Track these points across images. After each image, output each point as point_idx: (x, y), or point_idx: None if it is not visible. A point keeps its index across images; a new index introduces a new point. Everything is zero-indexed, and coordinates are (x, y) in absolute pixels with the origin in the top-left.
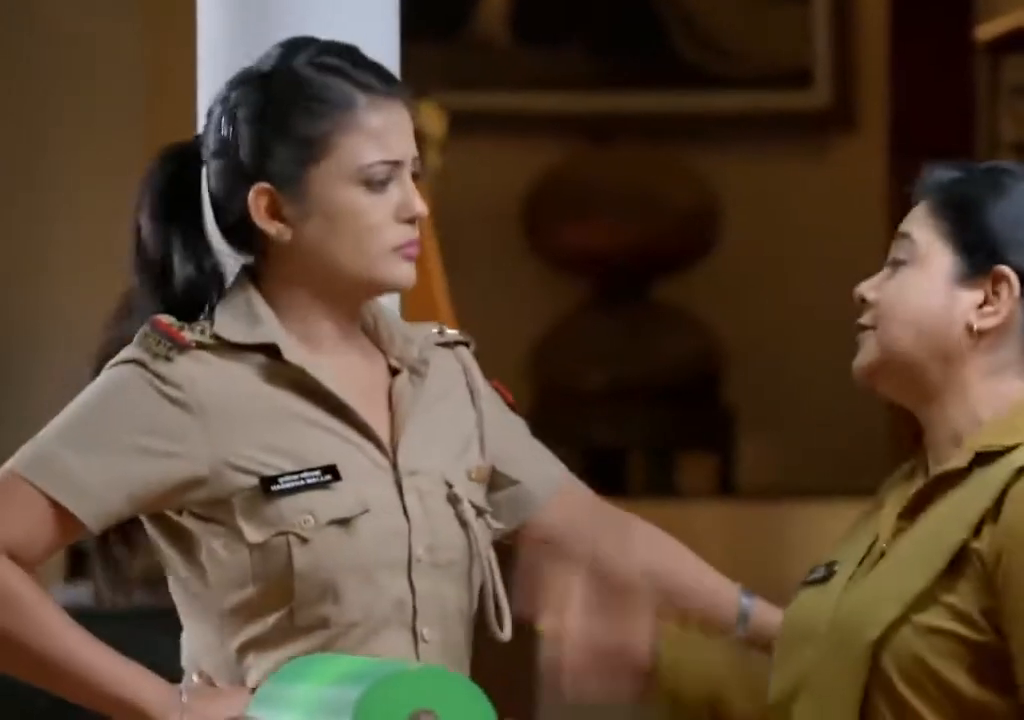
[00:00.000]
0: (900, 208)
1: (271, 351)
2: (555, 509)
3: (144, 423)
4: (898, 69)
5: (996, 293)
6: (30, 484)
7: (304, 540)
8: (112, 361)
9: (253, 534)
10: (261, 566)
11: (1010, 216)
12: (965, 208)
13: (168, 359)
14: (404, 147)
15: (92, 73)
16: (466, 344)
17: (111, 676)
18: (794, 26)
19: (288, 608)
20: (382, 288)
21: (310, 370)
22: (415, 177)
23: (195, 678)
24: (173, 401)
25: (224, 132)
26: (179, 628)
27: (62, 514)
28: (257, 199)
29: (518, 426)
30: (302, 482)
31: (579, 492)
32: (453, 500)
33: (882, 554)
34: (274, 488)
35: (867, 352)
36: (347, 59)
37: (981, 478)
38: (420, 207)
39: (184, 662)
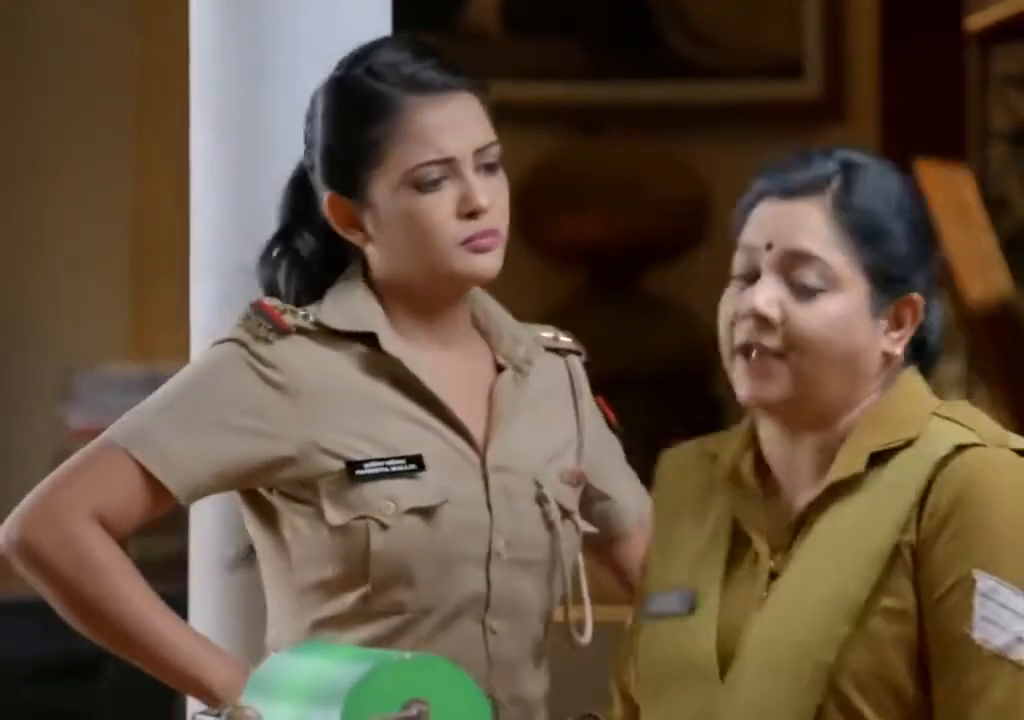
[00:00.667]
0: None
1: (370, 341)
2: (636, 539)
3: (239, 402)
4: (888, 60)
5: (900, 318)
6: (126, 453)
7: (384, 526)
8: (216, 339)
9: (335, 516)
10: (340, 548)
11: (906, 233)
12: (867, 228)
13: (268, 341)
14: (458, 143)
15: (85, 68)
16: (578, 353)
17: (182, 650)
18: (785, 18)
19: (364, 591)
20: (458, 283)
21: (407, 362)
22: (492, 168)
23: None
24: (269, 382)
25: (306, 142)
26: None
27: (154, 485)
28: (332, 208)
29: (615, 446)
30: (386, 469)
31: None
32: (541, 500)
33: (772, 574)
34: (358, 473)
35: (779, 386)
36: (404, 58)
37: (887, 477)
38: (480, 200)
39: (267, 640)
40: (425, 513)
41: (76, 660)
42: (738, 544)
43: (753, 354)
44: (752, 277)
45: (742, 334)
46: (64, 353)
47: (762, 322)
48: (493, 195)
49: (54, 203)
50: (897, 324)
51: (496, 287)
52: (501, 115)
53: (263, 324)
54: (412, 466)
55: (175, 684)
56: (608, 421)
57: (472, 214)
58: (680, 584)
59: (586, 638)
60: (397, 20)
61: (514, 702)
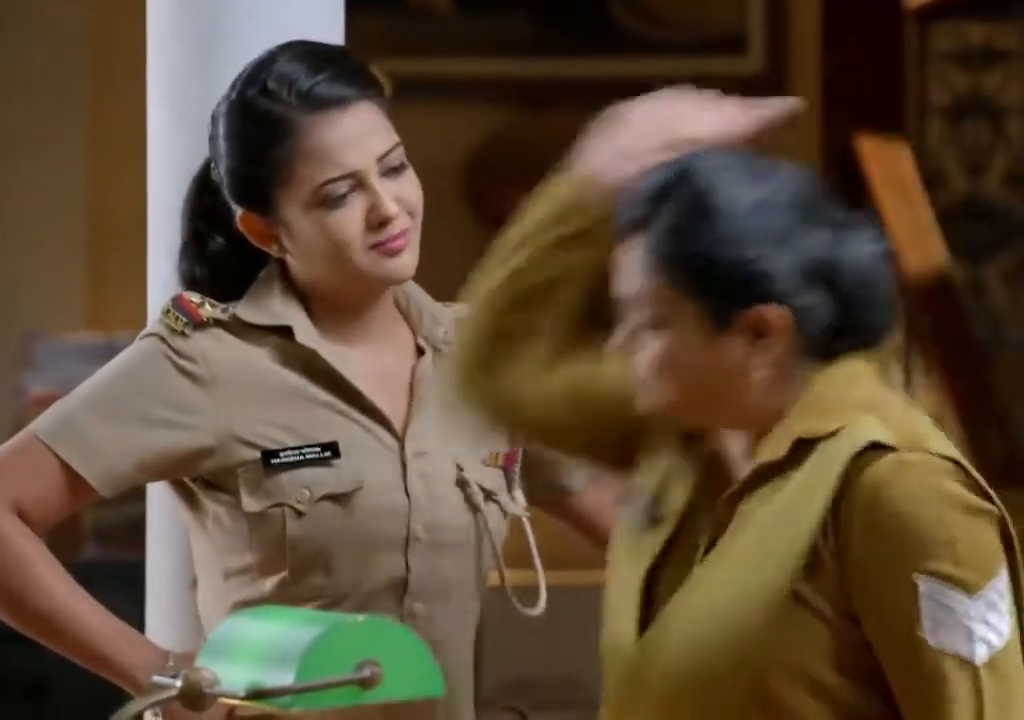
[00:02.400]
0: (831, 171)
1: (287, 333)
2: (591, 495)
3: (158, 394)
4: (830, 36)
5: (760, 332)
6: (46, 446)
7: (299, 513)
8: (140, 334)
9: (251, 504)
10: (258, 535)
11: (736, 244)
12: (687, 251)
13: (184, 334)
14: (360, 155)
15: (41, 45)
16: None
17: (102, 636)
18: None
19: (282, 576)
20: (376, 285)
21: (321, 352)
22: (398, 169)
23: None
24: (186, 374)
25: (213, 159)
26: (128, 583)
27: (74, 477)
28: (245, 225)
29: None
30: (301, 457)
31: (607, 491)
32: (461, 483)
33: (701, 549)
34: (274, 462)
35: (658, 394)
36: (298, 72)
37: (808, 468)
38: (388, 209)
39: (201, 616)
40: (339, 499)
41: None
42: (680, 531)
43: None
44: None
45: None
46: (23, 321)
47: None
48: (402, 196)
49: (13, 175)
50: (756, 334)
51: (444, 260)
52: (451, 90)
53: (180, 318)
54: (327, 453)
55: (98, 669)
56: None
57: (382, 223)
58: (652, 492)
59: (539, 608)
60: None
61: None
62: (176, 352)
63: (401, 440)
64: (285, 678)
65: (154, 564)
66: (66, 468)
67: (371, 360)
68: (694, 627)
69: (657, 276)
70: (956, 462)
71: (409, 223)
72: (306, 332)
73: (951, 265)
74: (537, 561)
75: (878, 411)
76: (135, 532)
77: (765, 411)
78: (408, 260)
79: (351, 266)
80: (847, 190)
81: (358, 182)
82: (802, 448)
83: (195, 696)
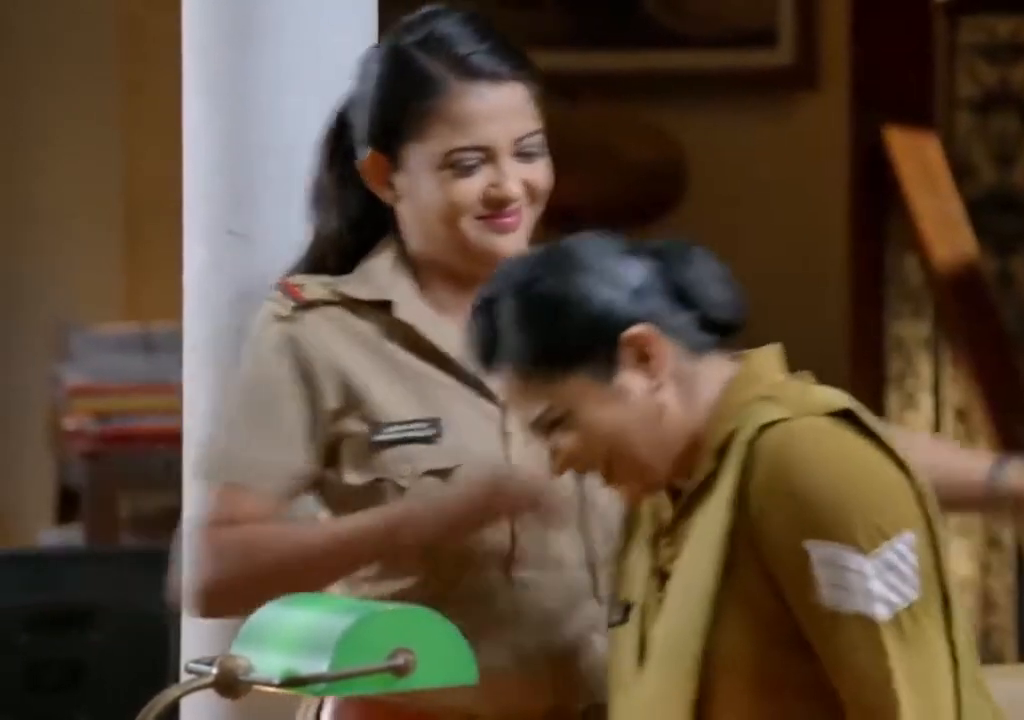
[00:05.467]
0: (861, 163)
1: (388, 307)
2: None
3: (281, 387)
4: (859, 29)
5: (640, 352)
6: (227, 486)
7: (401, 488)
8: (252, 329)
9: (354, 477)
10: (360, 509)
11: (568, 309)
12: (539, 348)
13: (291, 319)
14: (497, 132)
15: (74, 30)
16: None
17: (377, 533)
18: None
19: None
20: (476, 258)
21: (420, 327)
22: (533, 155)
23: None
24: (298, 356)
25: (351, 99)
26: (164, 570)
27: (264, 496)
28: (369, 164)
29: None
30: (405, 433)
31: None
32: None
33: (663, 575)
34: (377, 438)
35: (619, 480)
36: (460, 36)
37: (722, 470)
38: (510, 189)
39: None
40: (442, 474)
41: (69, 611)
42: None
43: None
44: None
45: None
46: (59, 312)
47: (572, 462)
48: (530, 180)
49: (47, 165)
50: (639, 359)
51: None
52: None
53: (285, 302)
54: (430, 430)
55: (404, 555)
56: None
57: (501, 202)
58: (623, 595)
59: None
60: None
61: (543, 650)
62: (286, 335)
63: (504, 410)
64: (320, 666)
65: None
66: (250, 493)
67: None
68: (659, 646)
69: (527, 381)
70: (850, 416)
71: (528, 207)
72: (408, 306)
73: (980, 256)
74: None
75: (773, 397)
76: (171, 521)
77: (692, 435)
78: (514, 240)
79: (456, 230)
80: (877, 182)
81: (489, 156)
82: (720, 456)
83: (230, 683)
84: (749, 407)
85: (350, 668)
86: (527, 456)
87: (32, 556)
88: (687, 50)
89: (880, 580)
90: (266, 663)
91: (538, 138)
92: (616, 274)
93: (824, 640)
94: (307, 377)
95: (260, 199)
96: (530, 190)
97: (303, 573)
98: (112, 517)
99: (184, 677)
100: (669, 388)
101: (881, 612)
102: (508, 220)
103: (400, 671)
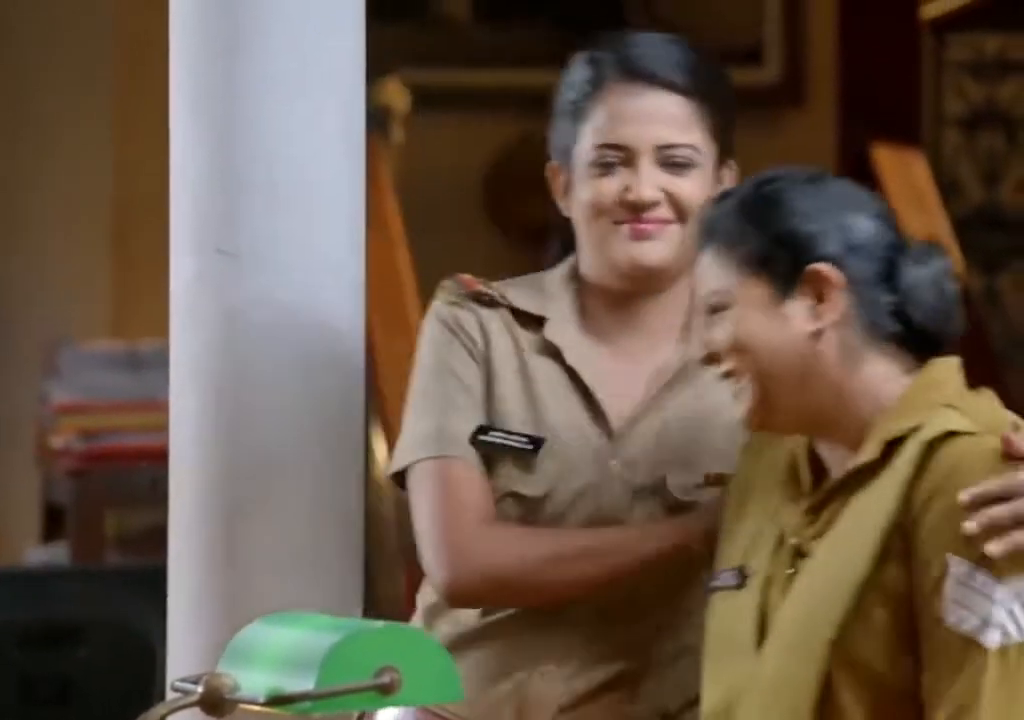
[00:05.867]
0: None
1: (542, 322)
2: None
3: (463, 358)
4: (846, 46)
5: (820, 292)
6: (442, 459)
7: None
8: (427, 318)
9: None
10: None
11: (785, 218)
12: (745, 235)
13: (459, 305)
14: (639, 135)
15: (67, 40)
16: None
17: (661, 543)
18: (746, 4)
19: None
20: (614, 264)
21: (565, 350)
22: (681, 166)
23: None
24: (462, 337)
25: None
26: (149, 587)
27: (465, 465)
28: (550, 173)
29: None
30: (507, 440)
31: None
32: (660, 492)
33: (799, 552)
34: (481, 437)
35: (747, 396)
36: (641, 44)
37: (893, 464)
38: (642, 192)
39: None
40: (522, 500)
41: (57, 628)
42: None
43: (736, 384)
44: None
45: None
46: (46, 329)
47: (716, 358)
48: (673, 191)
49: (36, 182)
50: (815, 297)
51: (465, 266)
52: (471, 100)
53: (456, 291)
54: (531, 446)
55: (663, 564)
56: None
57: (632, 205)
58: (738, 561)
59: None
60: (371, 5)
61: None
62: (455, 321)
63: (615, 448)
64: (305, 684)
65: (175, 570)
66: (460, 462)
67: (622, 362)
68: (789, 629)
69: (722, 263)
70: None
71: (670, 216)
72: (560, 324)
73: (967, 274)
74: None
75: (959, 408)
76: (156, 538)
77: (851, 417)
78: (651, 250)
79: (597, 234)
80: None
81: (628, 158)
82: (890, 449)
83: (216, 701)
84: (933, 410)
85: (336, 686)
86: (620, 494)
87: (19, 574)
88: None
89: (1004, 608)
90: (252, 681)
91: (689, 152)
92: (846, 220)
93: (932, 654)
94: (474, 358)
95: (247, 216)
96: (673, 201)
97: (582, 583)
98: (98, 535)
99: (170, 695)
100: (831, 343)
101: (992, 640)
102: (645, 226)
103: (386, 689)
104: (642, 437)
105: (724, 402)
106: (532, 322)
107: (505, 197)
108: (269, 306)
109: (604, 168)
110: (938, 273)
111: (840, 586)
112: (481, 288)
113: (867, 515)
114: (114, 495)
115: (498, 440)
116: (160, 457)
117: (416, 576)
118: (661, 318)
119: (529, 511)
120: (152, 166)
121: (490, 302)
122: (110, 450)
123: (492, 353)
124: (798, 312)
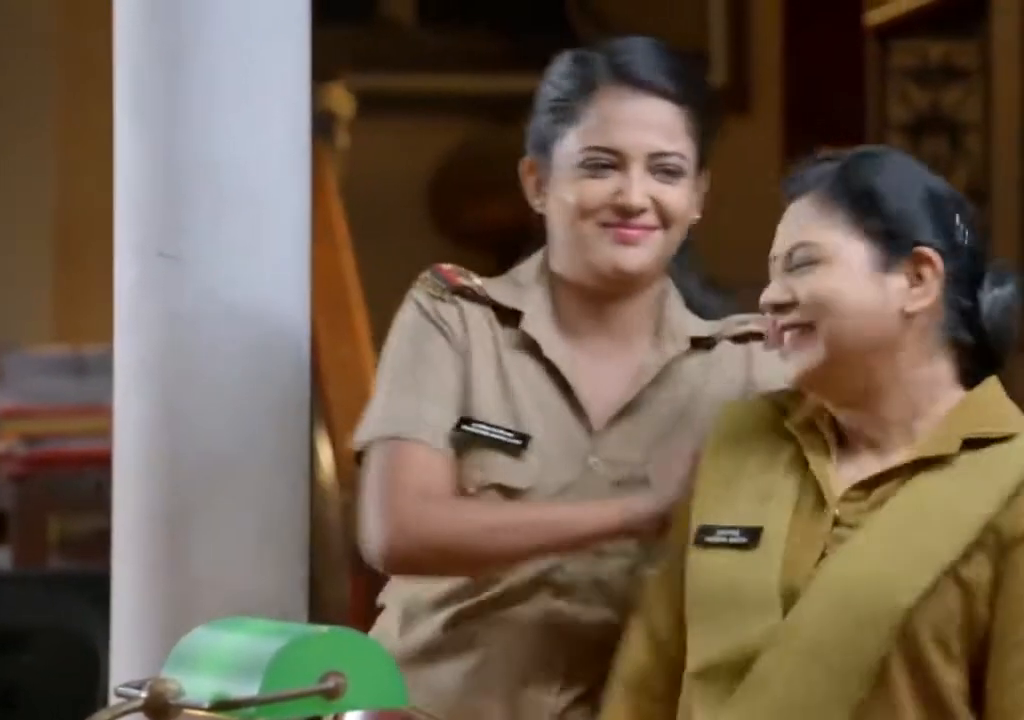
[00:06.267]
0: None
1: (520, 316)
2: None
3: (434, 357)
4: (791, 52)
5: (920, 275)
6: (392, 440)
7: (467, 494)
8: (403, 307)
9: None
10: None
11: (908, 196)
12: (862, 196)
13: (443, 300)
14: (633, 140)
15: (8, 52)
16: (761, 335)
17: (588, 520)
18: (691, 11)
19: None
20: (595, 267)
21: (544, 344)
22: (671, 174)
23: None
24: (445, 330)
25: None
26: (93, 593)
27: (426, 449)
28: (524, 170)
29: None
30: (492, 434)
31: None
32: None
33: (836, 522)
34: (465, 428)
35: (812, 352)
36: (638, 53)
37: (982, 463)
38: (633, 198)
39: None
40: (507, 491)
41: (1, 632)
42: (803, 491)
43: (786, 337)
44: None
45: (767, 323)
46: None
47: (778, 308)
48: (661, 199)
49: None
50: (916, 281)
51: (411, 271)
52: (416, 104)
53: (438, 284)
54: (517, 441)
55: (604, 542)
56: None
57: (622, 210)
58: (745, 520)
59: None
60: (316, 8)
61: (583, 668)
62: (436, 313)
63: (594, 444)
64: (250, 689)
65: (119, 575)
66: (419, 445)
67: (598, 360)
68: (847, 591)
69: (831, 214)
70: None
71: (656, 223)
72: (536, 320)
73: None
74: None
75: None
76: (100, 543)
77: (897, 407)
78: (634, 255)
79: (581, 234)
80: None
81: (621, 162)
82: (969, 447)
83: (160, 706)
84: (1019, 423)
85: (280, 691)
86: (604, 489)
87: None
88: None
89: None
90: (197, 686)
91: (679, 161)
92: (956, 221)
93: (1002, 659)
94: (454, 349)
95: (190, 220)
96: (660, 210)
97: (511, 554)
98: (41, 540)
99: (114, 700)
100: (918, 328)
101: None
102: (631, 232)
103: (331, 694)
104: (622, 436)
105: (703, 404)
106: (510, 318)
107: (450, 201)
108: (214, 310)
109: (593, 170)
110: (1012, 295)
111: (923, 560)
112: (463, 281)
113: (958, 504)
114: (57, 500)
115: (484, 432)
116: (104, 462)
117: (361, 581)
118: (633, 319)
119: (519, 500)
120: (95, 170)
121: (472, 296)
122: (53, 455)
123: (472, 347)
124: (893, 286)
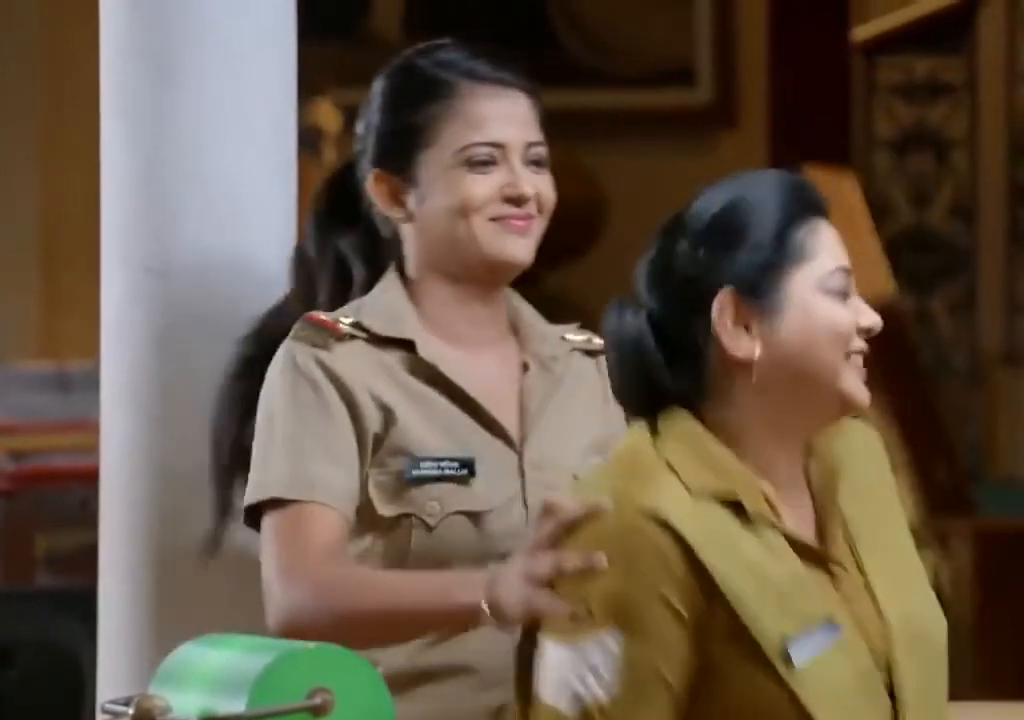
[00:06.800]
0: None
1: (410, 345)
2: None
3: (334, 404)
4: (777, 69)
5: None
6: (295, 502)
7: (428, 526)
8: (275, 364)
9: (384, 508)
10: (384, 536)
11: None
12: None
13: (328, 349)
14: (511, 132)
15: None
16: None
17: (433, 600)
18: (677, 26)
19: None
20: (490, 261)
21: (443, 367)
22: (539, 164)
23: None
24: (338, 385)
25: (360, 123)
26: (79, 609)
27: (323, 511)
28: (376, 185)
29: None
30: (440, 470)
31: None
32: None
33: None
34: (414, 473)
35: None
36: (467, 55)
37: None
38: (525, 188)
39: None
40: (471, 517)
41: None
42: (802, 556)
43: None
44: (845, 294)
45: (861, 344)
46: None
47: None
48: (539, 190)
49: None
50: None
51: None
52: None
53: (320, 334)
54: (464, 470)
55: (457, 624)
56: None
57: (515, 201)
58: (812, 620)
59: None
60: (302, 23)
61: None
62: (323, 365)
63: (519, 453)
64: (237, 705)
65: (106, 591)
66: (311, 507)
67: (480, 368)
68: (912, 636)
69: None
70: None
71: (536, 213)
72: (427, 344)
73: (898, 294)
74: None
75: None
76: (86, 559)
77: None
78: (525, 245)
79: (469, 231)
80: None
81: (502, 155)
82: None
83: None
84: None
85: (267, 707)
86: (541, 497)
87: None
88: (606, 89)
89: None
90: (183, 702)
91: (544, 150)
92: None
93: None
94: (351, 404)
95: (176, 235)
96: (539, 199)
97: (384, 628)
98: (27, 556)
99: (100, 717)
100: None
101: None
102: (521, 223)
103: (318, 711)
104: (540, 440)
105: (584, 392)
106: (397, 347)
107: None
108: (199, 325)
109: (476, 166)
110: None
111: (923, 574)
112: (338, 325)
113: (889, 506)
114: (43, 516)
115: (430, 471)
116: (90, 478)
117: None
118: (496, 314)
119: (484, 523)
120: (81, 185)
121: (350, 337)
122: (39, 471)
123: (373, 389)
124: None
